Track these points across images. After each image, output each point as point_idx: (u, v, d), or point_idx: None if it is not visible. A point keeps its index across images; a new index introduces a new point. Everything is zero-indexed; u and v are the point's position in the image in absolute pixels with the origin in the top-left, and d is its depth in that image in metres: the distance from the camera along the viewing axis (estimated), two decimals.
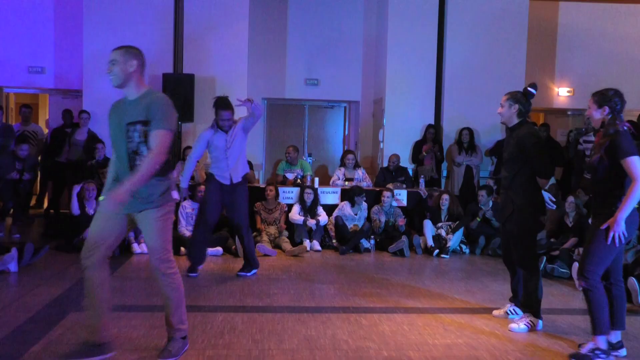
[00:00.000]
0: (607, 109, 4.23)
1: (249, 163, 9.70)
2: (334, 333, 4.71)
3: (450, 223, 8.53)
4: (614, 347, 4.36)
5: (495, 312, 5.34)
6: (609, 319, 4.30)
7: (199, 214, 6.65)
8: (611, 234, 4.09)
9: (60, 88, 10.88)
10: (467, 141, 10.30)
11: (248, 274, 6.64)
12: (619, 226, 4.08)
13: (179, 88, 9.74)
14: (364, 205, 8.81)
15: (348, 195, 8.82)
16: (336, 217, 8.60)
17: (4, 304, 5.25)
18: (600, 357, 4.20)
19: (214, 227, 6.84)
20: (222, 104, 6.46)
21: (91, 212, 7.88)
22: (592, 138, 9.18)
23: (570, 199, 7.87)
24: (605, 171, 4.17)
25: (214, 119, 6.55)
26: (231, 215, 6.62)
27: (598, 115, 4.27)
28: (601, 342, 4.24)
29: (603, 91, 4.28)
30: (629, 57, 11.63)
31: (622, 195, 4.10)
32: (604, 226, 4.13)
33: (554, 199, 5.05)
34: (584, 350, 4.27)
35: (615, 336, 4.39)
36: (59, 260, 7.21)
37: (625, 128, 4.18)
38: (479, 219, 8.61)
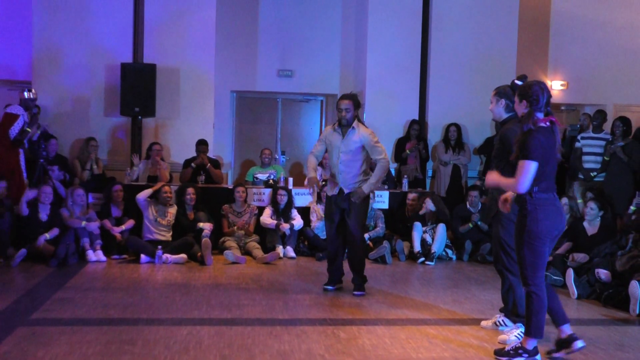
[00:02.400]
0: (525, 103, 4.42)
1: (216, 161, 9.69)
2: (309, 347, 4.71)
3: (435, 225, 8.58)
4: (530, 353, 4.52)
5: (483, 323, 5.39)
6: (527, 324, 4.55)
7: (327, 226, 6.64)
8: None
9: (5, 79, 10.71)
10: (454, 138, 10.36)
11: (359, 293, 6.43)
12: (489, 178, 4.46)
13: (139, 79, 9.66)
14: None
15: (318, 195, 8.84)
16: (305, 230, 8.60)
17: None
18: (522, 357, 4.48)
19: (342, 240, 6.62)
20: (343, 95, 6.46)
21: (44, 217, 7.79)
22: (592, 134, 9.32)
23: (564, 200, 7.97)
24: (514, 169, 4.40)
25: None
26: (346, 222, 6.45)
27: (519, 109, 4.48)
28: (529, 343, 4.48)
29: (524, 84, 4.51)
30: (628, 48, 11.77)
31: (532, 194, 4.33)
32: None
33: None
34: (509, 347, 4.56)
35: (531, 342, 4.55)
36: (4, 270, 7.10)
37: (548, 124, 4.37)
38: (470, 225, 8.66)
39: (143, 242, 7.89)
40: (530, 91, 4.39)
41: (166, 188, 8.29)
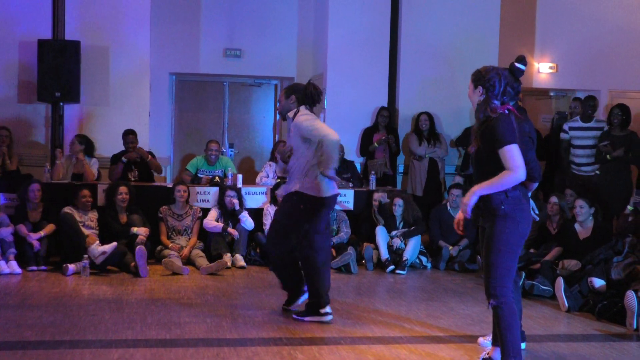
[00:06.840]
0: (480, 89, 4.55)
1: (151, 153, 9.60)
2: None
3: (406, 230, 8.64)
4: None
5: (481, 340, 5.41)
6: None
7: None
8: (462, 206, 4.44)
9: None
10: (426, 129, 10.40)
11: (304, 319, 6.04)
12: (469, 200, 4.40)
13: (60, 59, 9.56)
14: None
15: (273, 196, 8.84)
16: (257, 236, 8.64)
17: None
18: None
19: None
20: None
21: None
22: (580, 124, 9.50)
23: (554, 199, 8.09)
24: (485, 163, 4.49)
25: None
26: None
27: (474, 97, 4.60)
28: None
29: (480, 69, 4.61)
30: (624, 27, 11.99)
31: (508, 192, 4.39)
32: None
33: (537, 211, 5.19)
34: None
35: (497, 353, 4.66)
36: None
37: (506, 111, 4.45)
38: (459, 248, 8.73)
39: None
40: (486, 76, 4.51)
41: (85, 192, 8.23)
